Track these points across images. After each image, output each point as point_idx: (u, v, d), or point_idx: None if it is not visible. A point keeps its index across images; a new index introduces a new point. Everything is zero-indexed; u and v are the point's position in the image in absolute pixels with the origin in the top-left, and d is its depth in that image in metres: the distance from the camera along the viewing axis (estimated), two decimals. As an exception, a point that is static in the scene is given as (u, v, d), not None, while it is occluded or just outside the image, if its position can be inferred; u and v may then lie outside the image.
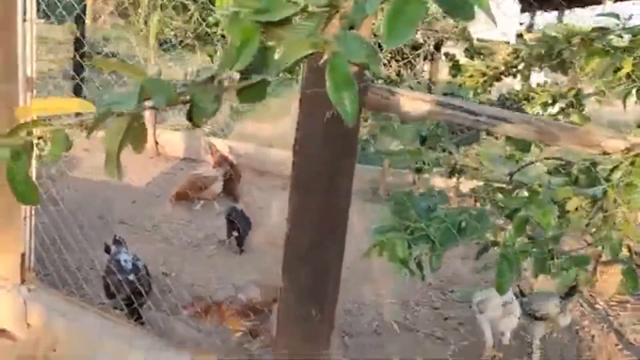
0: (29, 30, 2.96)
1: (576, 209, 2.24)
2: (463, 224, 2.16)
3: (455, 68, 9.25)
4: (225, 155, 6.22)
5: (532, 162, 2.80)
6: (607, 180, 2.21)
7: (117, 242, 3.51)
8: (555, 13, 14.08)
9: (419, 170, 6.85)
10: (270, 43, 1.08)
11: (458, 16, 0.95)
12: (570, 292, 3.65)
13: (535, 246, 2.19)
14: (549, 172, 2.46)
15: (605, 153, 2.05)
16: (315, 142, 2.25)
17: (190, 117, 1.16)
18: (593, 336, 4.38)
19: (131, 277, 3.15)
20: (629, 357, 4.11)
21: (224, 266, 4.55)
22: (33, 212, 3.20)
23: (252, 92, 1.13)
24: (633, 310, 4.94)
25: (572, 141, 2.00)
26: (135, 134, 1.16)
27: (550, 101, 2.65)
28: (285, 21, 1.05)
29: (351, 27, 1.09)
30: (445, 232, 2.13)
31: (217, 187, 6.05)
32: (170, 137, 7.84)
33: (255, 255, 4.96)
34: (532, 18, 14.22)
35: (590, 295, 4.97)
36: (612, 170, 1.92)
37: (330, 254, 2.30)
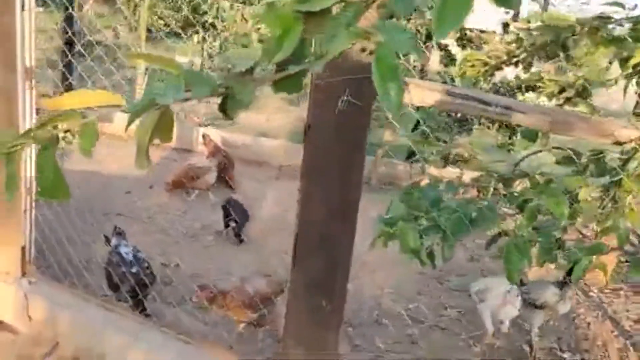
0: (27, 19, 2.90)
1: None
2: (474, 214, 2.17)
3: (448, 58, 9.26)
4: (219, 145, 6.19)
5: (539, 151, 2.81)
6: (622, 169, 2.23)
7: (118, 233, 3.48)
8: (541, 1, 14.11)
9: (411, 156, 6.89)
10: (308, 34, 1.06)
11: (504, 5, 0.94)
12: (566, 280, 3.69)
13: (541, 235, 2.20)
14: (558, 162, 2.47)
15: (617, 143, 2.06)
16: (326, 134, 2.24)
17: (223, 109, 1.14)
18: (589, 323, 4.44)
19: (134, 269, 3.13)
20: (625, 343, 4.17)
21: (223, 257, 4.54)
22: (33, 205, 3.15)
23: (289, 84, 1.11)
24: (626, 297, 5.01)
25: (586, 131, 2.01)
26: (164, 127, 1.14)
27: (556, 91, 2.66)
28: (326, 11, 1.03)
29: (390, 17, 1.08)
30: (457, 222, 2.13)
31: (211, 177, 6.03)
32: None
33: (252, 246, 4.94)
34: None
35: (584, 283, 5.02)
36: (627, 160, 1.92)
37: (341, 246, 2.30)
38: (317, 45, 1.04)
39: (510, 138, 7.17)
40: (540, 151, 2.92)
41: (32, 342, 2.97)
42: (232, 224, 4.70)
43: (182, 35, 8.59)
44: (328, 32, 1.04)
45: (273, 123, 9.23)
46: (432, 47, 8.35)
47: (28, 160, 2.95)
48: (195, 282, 4.00)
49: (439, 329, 4.02)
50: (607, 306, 4.76)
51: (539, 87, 2.66)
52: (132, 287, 3.07)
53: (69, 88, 7.10)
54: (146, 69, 7.18)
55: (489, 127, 7.61)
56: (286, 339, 2.43)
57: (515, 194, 2.16)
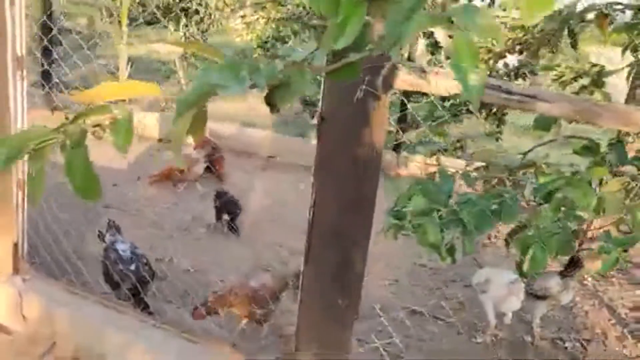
0: (17, 5, 2.75)
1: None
2: (494, 206, 2.12)
3: (433, 46, 9.21)
4: (207, 136, 6.06)
5: (551, 141, 2.76)
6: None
7: (112, 228, 3.34)
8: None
9: (397, 147, 6.84)
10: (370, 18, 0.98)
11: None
12: (566, 270, 3.68)
13: (560, 227, 2.16)
14: (576, 152, 2.42)
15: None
16: (342, 126, 2.16)
17: (269, 101, 1.05)
18: (586, 312, 4.45)
19: (133, 266, 3.01)
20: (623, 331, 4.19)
21: (216, 250, 4.44)
22: (25, 200, 3.01)
23: (346, 71, 1.03)
24: (620, 285, 5.04)
25: (613, 120, 1.96)
26: (198, 123, 1.05)
27: (569, 78, 2.61)
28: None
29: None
30: (479, 216, 2.08)
31: (199, 168, 5.92)
32: (144, 117, 7.59)
33: (245, 238, 4.85)
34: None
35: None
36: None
37: (357, 241, 2.22)
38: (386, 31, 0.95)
39: (498, 127, 7.18)
40: (552, 141, 2.89)
41: (29, 342, 2.85)
42: (225, 217, 4.59)
43: (164, 22, 8.39)
44: (393, 17, 0.96)
45: (257, 112, 9.09)
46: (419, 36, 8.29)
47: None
48: (191, 277, 3.91)
49: (439, 320, 3.98)
50: (602, 294, 4.78)
51: (556, 74, 2.61)
52: (133, 285, 2.96)
53: (46, 75, 6.89)
54: (129, 62, 6.97)
55: (477, 117, 7.59)
56: (299, 336, 2.35)
57: (540, 185, 2.11)
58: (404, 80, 2.03)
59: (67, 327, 2.82)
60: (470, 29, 0.89)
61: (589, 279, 4.94)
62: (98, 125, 1.09)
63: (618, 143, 2.31)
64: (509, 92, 2.06)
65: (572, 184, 2.05)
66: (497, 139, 7.34)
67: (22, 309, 2.95)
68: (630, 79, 3.19)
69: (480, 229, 2.05)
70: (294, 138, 7.44)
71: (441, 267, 4.75)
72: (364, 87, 1.97)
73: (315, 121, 8.14)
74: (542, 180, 2.84)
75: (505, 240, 2.25)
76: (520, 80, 5.86)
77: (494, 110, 5.86)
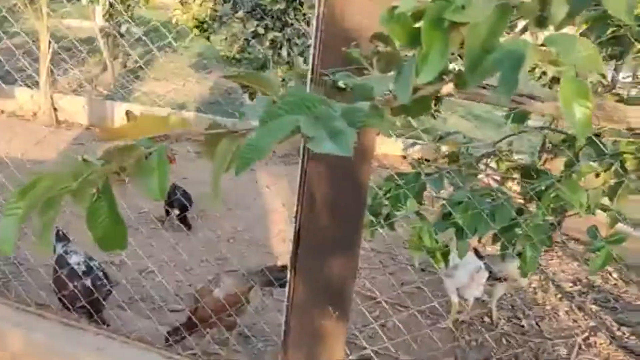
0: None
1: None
2: (485, 208, 2.09)
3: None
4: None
5: (521, 132, 2.77)
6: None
7: (60, 238, 3.04)
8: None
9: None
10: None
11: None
12: (511, 248, 3.76)
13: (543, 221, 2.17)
14: (554, 145, 2.44)
15: (630, 129, 2.03)
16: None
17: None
18: (534, 288, 4.61)
19: (88, 282, 2.76)
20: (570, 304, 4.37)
21: (169, 247, 4.22)
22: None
23: (419, 105, 0.92)
24: (559, 258, 5.27)
25: (602, 118, 1.95)
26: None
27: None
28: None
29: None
30: (475, 218, 2.04)
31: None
32: (70, 102, 7.13)
33: (196, 233, 4.67)
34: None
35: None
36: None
37: (348, 247, 2.14)
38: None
39: (435, 105, 7.27)
40: (522, 132, 2.89)
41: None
42: (176, 211, 4.37)
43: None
44: (473, 45, 0.86)
45: (180, 93, 8.71)
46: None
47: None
48: (146, 279, 3.70)
49: (400, 307, 3.99)
50: (545, 269, 4.97)
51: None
52: (90, 302, 2.71)
53: None
54: (51, 41, 6.43)
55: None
56: (287, 347, 2.26)
57: (532, 183, 2.10)
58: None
59: (23, 349, 2.59)
60: (571, 61, 0.82)
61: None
62: (122, 167, 0.94)
63: (596, 137, 2.33)
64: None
65: (563, 182, 2.05)
66: (434, 117, 7.43)
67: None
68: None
69: (478, 232, 2.02)
70: (227, 119, 7.11)
71: (395, 252, 4.77)
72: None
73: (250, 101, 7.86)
74: (502, 167, 2.84)
75: (495, 235, 2.22)
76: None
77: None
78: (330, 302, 2.13)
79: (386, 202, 2.36)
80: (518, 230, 2.08)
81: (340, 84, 0.91)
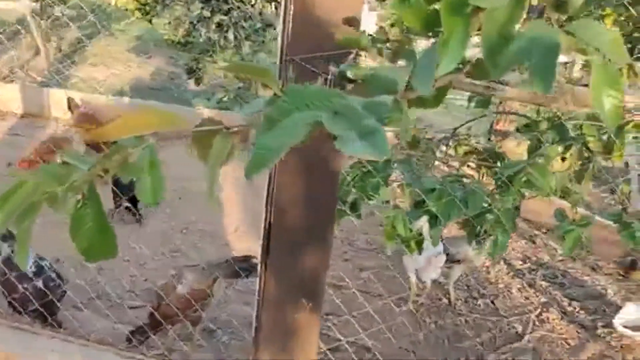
0: None
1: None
2: (458, 194, 2.09)
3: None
4: (86, 110, 5.46)
5: (482, 117, 2.78)
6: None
7: (6, 237, 2.83)
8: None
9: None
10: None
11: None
12: (479, 234, 3.82)
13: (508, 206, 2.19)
14: (518, 130, 2.46)
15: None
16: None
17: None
18: (487, 267, 4.70)
19: (39, 283, 2.59)
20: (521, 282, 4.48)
21: (121, 241, 4.02)
22: None
23: (431, 98, 0.87)
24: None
25: (573, 102, 1.97)
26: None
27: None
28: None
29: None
30: (448, 205, 2.03)
31: (77, 148, 5.36)
32: (2, 90, 6.73)
33: (148, 224, 4.51)
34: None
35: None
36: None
37: (321, 239, 2.09)
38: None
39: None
40: (484, 116, 2.91)
41: None
42: (125, 203, 4.20)
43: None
44: (490, 32, 0.81)
45: (119, 78, 8.38)
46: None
47: None
48: (102, 275, 3.53)
49: (361, 292, 3.98)
50: (496, 248, 5.08)
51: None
52: (43, 304, 2.55)
53: None
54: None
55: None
56: (258, 342, 2.20)
57: (501, 168, 2.10)
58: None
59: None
60: (597, 47, 0.78)
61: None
62: (106, 170, 0.85)
63: (558, 120, 2.36)
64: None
65: (532, 166, 2.06)
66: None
67: None
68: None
69: (451, 219, 2.01)
70: (173, 105, 6.89)
71: (352, 237, 4.76)
72: (331, 77, 1.80)
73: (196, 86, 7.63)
74: (460, 151, 2.86)
75: (466, 220, 2.22)
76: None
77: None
78: (303, 294, 2.08)
79: (353, 189, 2.33)
80: (489, 216, 2.09)
81: (349, 74, 0.84)
